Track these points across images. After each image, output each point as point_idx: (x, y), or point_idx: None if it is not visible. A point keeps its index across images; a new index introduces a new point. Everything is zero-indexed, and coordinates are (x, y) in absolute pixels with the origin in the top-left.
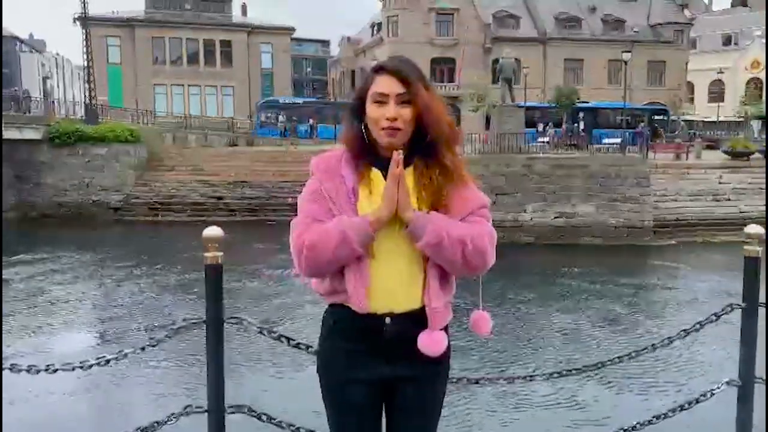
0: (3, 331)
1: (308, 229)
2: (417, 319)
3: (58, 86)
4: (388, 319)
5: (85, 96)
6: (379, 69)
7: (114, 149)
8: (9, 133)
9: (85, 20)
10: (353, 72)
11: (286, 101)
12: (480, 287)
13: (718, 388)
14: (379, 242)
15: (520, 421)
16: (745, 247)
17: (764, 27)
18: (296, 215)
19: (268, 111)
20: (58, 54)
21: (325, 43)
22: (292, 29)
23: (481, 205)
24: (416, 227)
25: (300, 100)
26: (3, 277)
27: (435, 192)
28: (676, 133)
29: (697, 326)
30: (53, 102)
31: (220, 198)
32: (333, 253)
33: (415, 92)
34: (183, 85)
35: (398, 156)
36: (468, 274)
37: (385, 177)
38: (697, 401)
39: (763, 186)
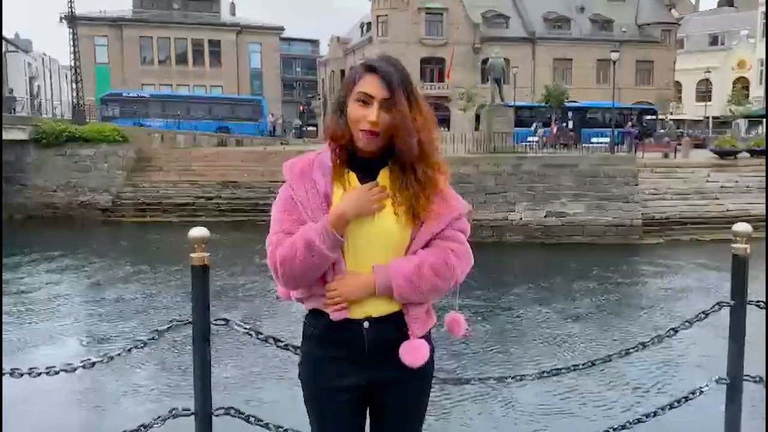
0: None
1: (280, 244)
2: (396, 322)
3: (44, 86)
4: (366, 324)
5: (72, 96)
6: (369, 68)
7: (102, 150)
8: None
9: (72, 19)
10: (342, 72)
11: (130, 95)
12: (457, 287)
13: (707, 386)
14: (354, 245)
15: (509, 420)
16: (733, 245)
17: (750, 27)
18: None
19: (111, 104)
20: (44, 54)
21: (315, 42)
22: (281, 29)
23: (458, 214)
24: (381, 286)
25: (147, 94)
26: None
27: (410, 197)
28: (664, 132)
29: (686, 324)
30: (40, 102)
31: (209, 198)
32: (305, 264)
33: (395, 102)
34: (171, 85)
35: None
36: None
37: (360, 179)
38: (686, 399)
39: (750, 185)
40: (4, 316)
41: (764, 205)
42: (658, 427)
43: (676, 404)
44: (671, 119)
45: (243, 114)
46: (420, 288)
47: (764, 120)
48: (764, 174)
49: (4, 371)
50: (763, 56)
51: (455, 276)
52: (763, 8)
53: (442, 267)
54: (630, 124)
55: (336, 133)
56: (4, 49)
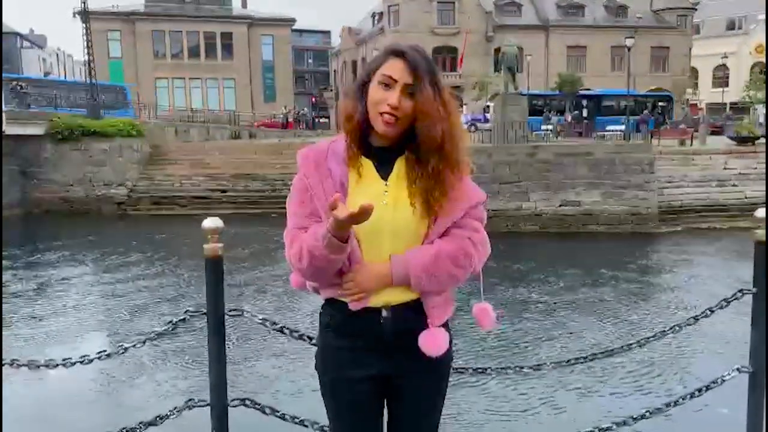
0: (6, 327)
1: (294, 241)
2: (415, 310)
3: None
4: (384, 312)
5: (86, 91)
6: (395, 52)
7: (117, 144)
8: (12, 129)
9: (85, 14)
10: (354, 62)
11: None
12: (481, 277)
13: (729, 374)
14: (371, 237)
15: (527, 410)
16: (756, 231)
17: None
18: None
19: None
20: (59, 49)
21: (326, 33)
22: (293, 20)
23: (474, 203)
24: (398, 275)
25: (13, 76)
26: (8, 273)
27: (425, 190)
28: (681, 119)
29: (707, 312)
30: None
31: (223, 191)
32: (314, 267)
33: (420, 88)
34: (184, 79)
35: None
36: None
37: (376, 167)
38: (708, 388)
39: None
40: (21, 310)
41: None
42: (680, 416)
43: (697, 393)
44: (691, 103)
45: (107, 101)
46: (437, 277)
47: None
48: None
49: (21, 363)
50: None
51: (473, 264)
52: None
53: (460, 256)
54: (646, 111)
55: (349, 113)
56: (18, 45)
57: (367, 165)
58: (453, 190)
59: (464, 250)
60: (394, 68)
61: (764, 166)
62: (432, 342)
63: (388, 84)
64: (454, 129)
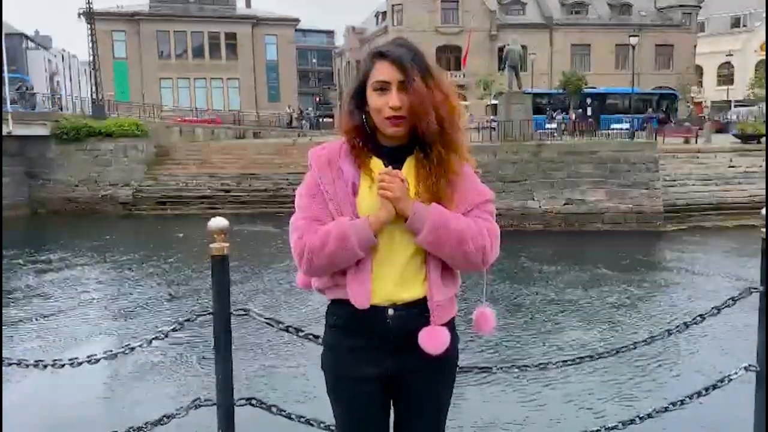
0: (13, 327)
1: (308, 230)
2: (421, 309)
3: (64, 82)
4: (390, 311)
5: (91, 91)
6: (379, 55)
7: (122, 144)
8: (18, 130)
9: (90, 15)
10: (358, 62)
11: None
12: (484, 281)
13: (736, 373)
14: (383, 232)
15: (532, 409)
16: (762, 229)
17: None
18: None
19: None
20: (64, 50)
21: (330, 33)
22: (297, 20)
23: (484, 199)
24: (414, 221)
25: None
26: (14, 274)
27: (432, 186)
28: (685, 117)
29: (714, 311)
30: (60, 98)
31: (228, 191)
32: (334, 256)
33: (409, 81)
34: (189, 79)
35: (388, 171)
36: (468, 269)
37: (385, 166)
38: (715, 387)
39: None
40: (27, 310)
41: None
42: (688, 415)
43: (704, 392)
44: (696, 102)
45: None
46: (449, 240)
47: None
48: None
49: (28, 362)
50: None
51: (484, 249)
52: None
53: (473, 225)
54: (651, 109)
55: (349, 129)
56: (24, 46)
57: (377, 166)
58: (458, 178)
59: (479, 228)
60: (383, 71)
61: None
62: (433, 339)
63: (382, 88)
64: (453, 111)
